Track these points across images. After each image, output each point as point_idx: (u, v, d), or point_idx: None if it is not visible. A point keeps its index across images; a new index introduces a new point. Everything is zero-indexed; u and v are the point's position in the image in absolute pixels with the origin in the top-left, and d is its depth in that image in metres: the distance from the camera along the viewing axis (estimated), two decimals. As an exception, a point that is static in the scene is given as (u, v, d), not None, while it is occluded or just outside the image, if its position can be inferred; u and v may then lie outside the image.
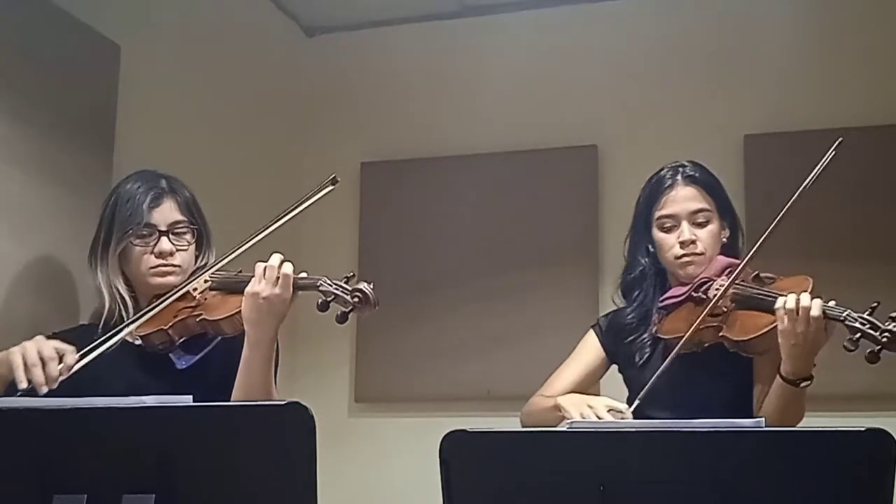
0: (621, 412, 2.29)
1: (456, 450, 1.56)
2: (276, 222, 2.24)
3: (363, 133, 4.05)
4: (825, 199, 3.49)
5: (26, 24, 2.66)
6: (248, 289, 2.15)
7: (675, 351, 2.28)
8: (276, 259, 2.16)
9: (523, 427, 2.61)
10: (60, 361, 2.08)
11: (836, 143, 2.25)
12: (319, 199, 2.25)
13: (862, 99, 3.54)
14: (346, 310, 2.11)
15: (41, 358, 2.06)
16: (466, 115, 3.92)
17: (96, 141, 2.87)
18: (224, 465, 1.57)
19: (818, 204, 3.49)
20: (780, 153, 3.58)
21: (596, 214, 3.73)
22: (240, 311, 2.17)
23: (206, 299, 2.27)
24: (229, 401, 2.15)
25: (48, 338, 2.15)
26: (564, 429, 1.64)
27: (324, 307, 2.13)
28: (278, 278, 2.13)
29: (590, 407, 2.35)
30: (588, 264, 3.71)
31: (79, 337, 2.26)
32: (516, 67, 3.90)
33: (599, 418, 2.30)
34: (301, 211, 2.24)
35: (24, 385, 2.03)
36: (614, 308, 2.61)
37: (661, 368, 2.27)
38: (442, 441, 1.56)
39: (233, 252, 2.24)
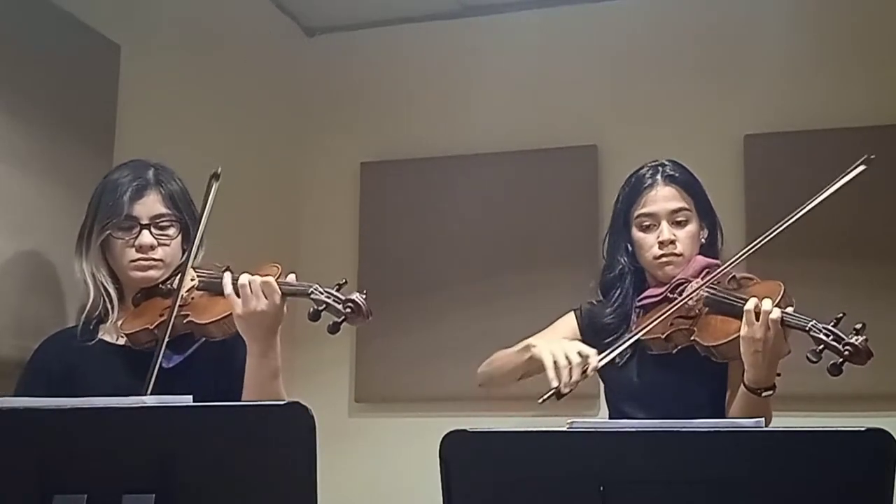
0: (588, 357, 2.29)
1: (456, 450, 1.56)
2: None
3: (363, 133, 4.05)
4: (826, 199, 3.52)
5: (26, 24, 2.66)
6: (236, 311, 2.10)
7: (635, 333, 2.31)
8: (245, 277, 2.11)
9: (482, 382, 2.67)
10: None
11: (863, 160, 2.25)
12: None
13: (862, 99, 3.54)
14: (338, 320, 2.04)
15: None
16: (466, 115, 3.92)
17: (96, 141, 2.87)
18: (224, 465, 1.57)
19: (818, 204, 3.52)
20: (780, 153, 3.58)
21: (596, 214, 3.72)
22: (229, 315, 2.13)
23: (192, 299, 2.22)
24: (213, 401, 2.14)
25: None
26: (564, 429, 1.64)
27: (315, 317, 2.07)
28: (263, 290, 2.08)
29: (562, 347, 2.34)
30: (588, 264, 3.68)
31: (61, 341, 2.29)
32: (516, 67, 3.89)
33: (569, 359, 2.28)
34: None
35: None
36: (596, 300, 2.60)
37: (620, 348, 2.33)
38: (442, 441, 1.56)
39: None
